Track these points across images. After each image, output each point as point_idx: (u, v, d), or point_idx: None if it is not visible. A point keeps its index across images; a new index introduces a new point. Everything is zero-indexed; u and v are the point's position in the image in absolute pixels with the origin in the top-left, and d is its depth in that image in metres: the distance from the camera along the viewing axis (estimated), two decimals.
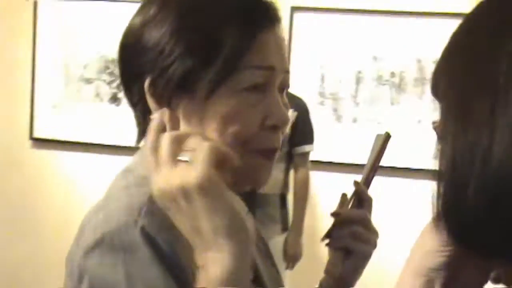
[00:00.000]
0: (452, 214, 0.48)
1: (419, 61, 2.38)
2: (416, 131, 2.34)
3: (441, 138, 0.49)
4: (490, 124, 0.45)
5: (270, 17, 0.65)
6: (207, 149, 0.55)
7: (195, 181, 0.55)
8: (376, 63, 2.43)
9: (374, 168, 0.77)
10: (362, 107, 2.47)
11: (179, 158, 0.56)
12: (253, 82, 0.63)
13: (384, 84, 2.43)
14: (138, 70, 0.64)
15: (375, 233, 0.78)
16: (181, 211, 0.56)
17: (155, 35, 0.63)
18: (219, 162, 0.56)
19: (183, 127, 0.63)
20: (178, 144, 0.57)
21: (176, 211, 0.57)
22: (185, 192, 0.55)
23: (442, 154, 0.48)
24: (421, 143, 2.02)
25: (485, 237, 0.46)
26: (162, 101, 0.63)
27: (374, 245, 0.78)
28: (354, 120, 2.48)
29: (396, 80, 2.41)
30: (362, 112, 2.47)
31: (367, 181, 0.78)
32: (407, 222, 1.92)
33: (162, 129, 0.59)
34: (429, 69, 2.29)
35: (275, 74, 0.65)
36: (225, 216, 0.55)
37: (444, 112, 0.50)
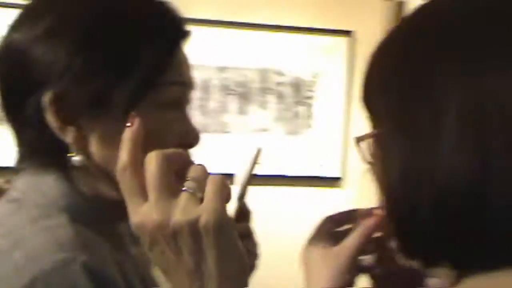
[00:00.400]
0: (404, 229, 0.48)
1: (262, 71, 2.48)
2: (262, 139, 2.42)
3: (383, 153, 0.49)
4: (434, 138, 0.46)
5: (184, 31, 0.63)
6: (221, 183, 0.50)
7: (211, 219, 0.48)
8: (222, 73, 2.48)
9: (249, 181, 0.79)
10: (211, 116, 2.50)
11: (184, 188, 0.49)
12: (172, 98, 0.61)
13: (230, 94, 2.49)
14: (27, 86, 0.58)
15: (257, 245, 0.81)
16: (174, 249, 0.49)
17: (54, 50, 0.57)
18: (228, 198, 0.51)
19: (95, 147, 0.58)
20: (170, 167, 0.50)
21: (167, 248, 0.49)
22: (193, 230, 0.48)
23: (386, 169, 0.48)
24: (268, 152, 2.09)
25: (435, 248, 0.47)
26: (68, 119, 0.57)
27: (258, 256, 0.80)
28: (204, 129, 2.49)
29: (241, 90, 2.49)
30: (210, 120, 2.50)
31: (243, 195, 0.80)
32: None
33: (138, 143, 0.52)
34: (273, 79, 2.39)
35: (189, 90, 0.64)
36: (234, 260, 0.50)
37: (386, 128, 0.50)
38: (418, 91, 0.49)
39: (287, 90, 2.41)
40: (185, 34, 0.65)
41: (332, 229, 0.73)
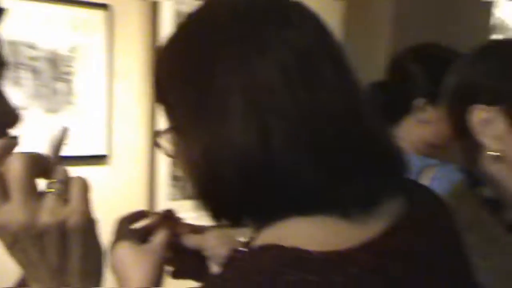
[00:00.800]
0: (212, 198, 0.56)
1: (13, 44, 2.28)
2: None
3: (184, 137, 0.56)
4: (223, 120, 0.53)
5: None
6: (84, 184, 0.53)
7: (79, 220, 0.51)
8: None
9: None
10: None
11: (47, 189, 0.51)
12: None
13: None
14: None
15: None
16: (39, 248, 0.50)
17: None
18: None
19: None
20: (33, 169, 0.51)
21: (31, 247, 0.50)
22: (61, 231, 0.50)
23: (190, 152, 0.55)
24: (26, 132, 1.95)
25: (238, 209, 0.56)
26: None
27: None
28: None
29: None
30: None
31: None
32: None
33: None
34: (25, 53, 2.22)
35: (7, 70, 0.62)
36: (97, 256, 0.54)
37: (183, 118, 0.56)
38: (203, 79, 0.56)
39: (42, 65, 2.27)
40: None
41: (129, 228, 0.83)
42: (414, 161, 1.23)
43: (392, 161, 0.58)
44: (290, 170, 0.53)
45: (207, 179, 0.56)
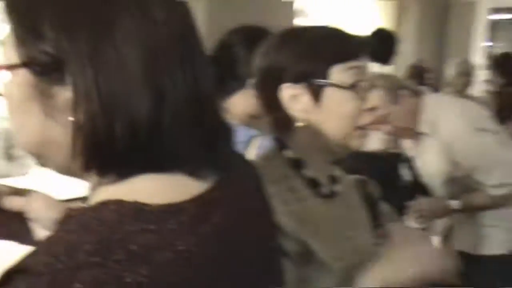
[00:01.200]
0: (97, 151, 0.57)
1: None
2: None
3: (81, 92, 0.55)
4: (119, 73, 0.56)
5: None
6: None
7: None
8: None
9: None
10: None
11: None
12: None
13: None
14: None
15: None
16: None
17: None
18: None
19: None
20: None
21: None
22: None
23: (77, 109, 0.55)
24: None
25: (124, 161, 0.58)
26: None
27: None
28: None
29: None
30: None
31: None
32: None
33: None
34: None
35: None
36: None
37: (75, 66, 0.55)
38: (102, 30, 0.57)
39: None
40: None
41: None
42: (242, 132, 1.36)
43: (223, 132, 0.69)
44: (169, 135, 0.58)
45: (97, 131, 0.56)
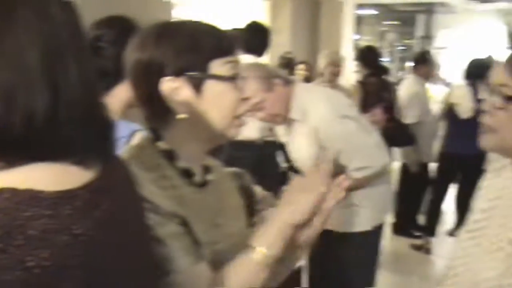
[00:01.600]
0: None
1: None
2: None
3: None
4: (20, 69, 0.58)
5: None
6: None
7: None
8: None
9: None
10: None
11: None
12: None
13: None
14: None
15: None
16: None
17: None
18: None
19: None
20: None
21: None
22: None
23: None
24: None
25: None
26: None
27: None
28: None
29: None
30: None
31: None
32: None
33: None
34: None
35: None
36: None
37: None
38: (1, 20, 0.59)
39: None
40: None
41: None
42: (123, 127, 1.35)
43: (107, 127, 0.73)
44: (64, 126, 0.62)
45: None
